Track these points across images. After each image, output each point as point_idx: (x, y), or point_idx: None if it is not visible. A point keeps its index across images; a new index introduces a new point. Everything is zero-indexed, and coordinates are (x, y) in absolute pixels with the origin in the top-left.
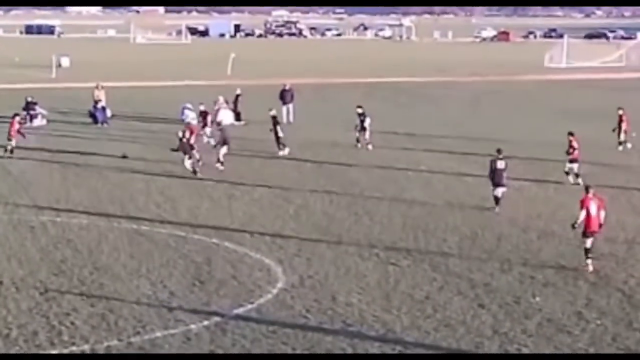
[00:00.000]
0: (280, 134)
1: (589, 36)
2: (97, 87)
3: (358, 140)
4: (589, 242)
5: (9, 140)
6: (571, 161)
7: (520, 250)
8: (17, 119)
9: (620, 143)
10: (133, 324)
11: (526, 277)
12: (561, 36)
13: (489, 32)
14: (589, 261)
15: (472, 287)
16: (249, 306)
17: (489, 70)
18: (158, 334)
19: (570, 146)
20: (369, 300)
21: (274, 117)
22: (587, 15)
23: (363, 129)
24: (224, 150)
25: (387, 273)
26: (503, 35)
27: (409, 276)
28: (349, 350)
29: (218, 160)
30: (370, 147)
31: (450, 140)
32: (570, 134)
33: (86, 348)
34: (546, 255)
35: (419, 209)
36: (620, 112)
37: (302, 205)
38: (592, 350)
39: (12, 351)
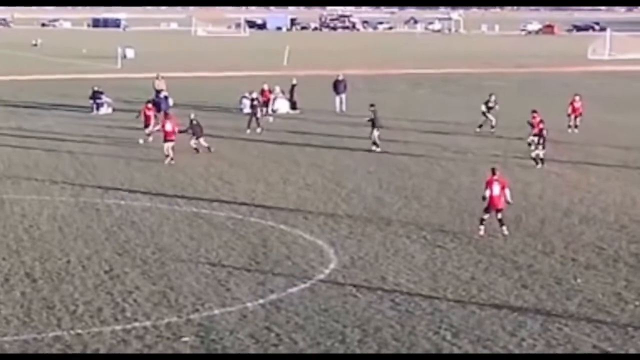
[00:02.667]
0: (259, 115)
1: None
2: (157, 78)
3: (480, 126)
4: (486, 216)
5: (146, 127)
6: (535, 135)
7: (563, 233)
8: (150, 105)
9: (569, 126)
10: (192, 301)
11: (568, 259)
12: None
13: (535, 26)
14: (482, 227)
15: (516, 269)
16: (303, 285)
17: (534, 61)
18: (216, 311)
19: (531, 123)
20: (416, 280)
21: (252, 100)
22: (630, 9)
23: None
24: (376, 132)
25: (434, 254)
26: (548, 29)
27: (455, 258)
28: (398, 328)
29: (373, 143)
30: (493, 130)
31: (497, 127)
32: (534, 111)
33: (148, 324)
34: (587, 238)
35: (466, 193)
36: (577, 97)
37: (354, 190)
38: (630, 330)
39: (78, 326)
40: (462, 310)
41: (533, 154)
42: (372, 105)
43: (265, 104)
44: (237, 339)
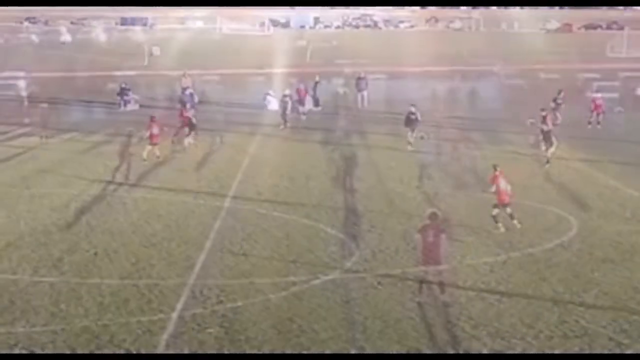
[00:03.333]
0: (287, 111)
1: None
2: (183, 75)
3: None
4: (495, 211)
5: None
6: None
7: (580, 228)
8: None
9: (589, 122)
10: (216, 293)
11: (585, 253)
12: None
13: (553, 24)
14: (500, 224)
15: (534, 262)
16: (325, 278)
17: (553, 58)
18: (240, 303)
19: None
20: (436, 273)
21: (284, 96)
22: None
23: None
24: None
25: (454, 248)
26: (566, 27)
27: (473, 251)
28: (417, 320)
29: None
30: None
31: (514, 124)
32: (542, 109)
33: (173, 316)
34: (605, 232)
35: (483, 188)
36: (598, 95)
37: (375, 185)
38: None
39: (105, 318)
40: (480, 302)
41: (548, 153)
42: (412, 105)
43: (301, 102)
44: (260, 330)
